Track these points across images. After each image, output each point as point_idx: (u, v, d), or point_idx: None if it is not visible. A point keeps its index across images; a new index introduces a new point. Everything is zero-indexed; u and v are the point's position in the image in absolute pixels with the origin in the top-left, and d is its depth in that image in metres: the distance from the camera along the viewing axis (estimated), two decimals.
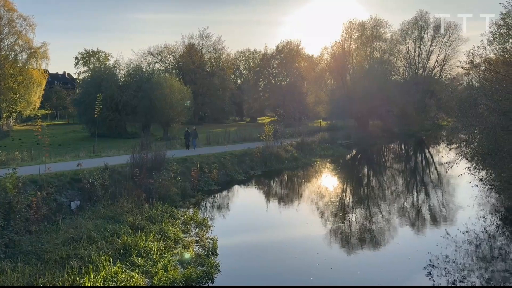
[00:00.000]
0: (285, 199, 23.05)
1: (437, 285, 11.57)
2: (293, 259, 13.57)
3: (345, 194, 24.54)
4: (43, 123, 19.49)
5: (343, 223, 17.98)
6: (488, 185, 20.66)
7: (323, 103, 62.26)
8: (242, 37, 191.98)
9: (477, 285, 11.66)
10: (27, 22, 52.76)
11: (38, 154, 23.48)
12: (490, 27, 19.74)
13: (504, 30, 19.01)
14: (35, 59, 54.67)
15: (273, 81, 77.11)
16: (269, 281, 12.22)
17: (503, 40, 19.03)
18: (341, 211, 20.12)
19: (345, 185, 27.46)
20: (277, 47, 75.62)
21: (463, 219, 17.63)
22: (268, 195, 24.16)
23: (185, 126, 38.72)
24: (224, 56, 76.88)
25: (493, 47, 19.40)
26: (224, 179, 26.10)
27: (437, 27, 67.11)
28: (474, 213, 18.76)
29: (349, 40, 58.09)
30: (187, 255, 13.15)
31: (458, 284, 11.62)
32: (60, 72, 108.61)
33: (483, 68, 19.13)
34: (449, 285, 11.56)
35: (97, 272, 11.30)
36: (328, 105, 59.89)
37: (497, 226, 17.32)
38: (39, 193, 16.04)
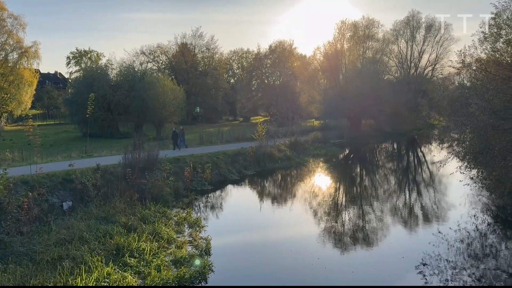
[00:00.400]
0: (278, 198, 23.07)
1: (429, 283, 11.63)
2: (287, 259, 13.57)
3: (338, 193, 24.62)
4: (34, 123, 19.28)
5: (337, 222, 18.02)
6: (479, 184, 20.83)
7: (316, 103, 62.40)
8: (235, 36, 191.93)
9: (468, 283, 11.74)
10: (17, 21, 52.25)
11: (30, 155, 23.28)
12: (481, 27, 19.87)
13: (495, 30, 19.17)
14: (26, 59, 54.11)
15: (266, 81, 77.16)
16: (263, 281, 12.21)
17: (493, 39, 19.18)
18: (334, 210, 20.18)
19: (338, 184, 27.54)
20: (270, 46, 75.72)
21: (455, 218, 17.76)
22: (261, 194, 24.16)
23: (178, 125, 38.53)
24: (217, 55, 76.83)
25: (484, 47, 19.54)
26: (217, 179, 26.06)
27: (429, 27, 67.61)
28: (465, 211, 18.90)
29: (342, 40, 58.38)
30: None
31: (450, 282, 11.69)
32: (52, 71, 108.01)
33: (474, 68, 19.26)
34: (441, 284, 11.63)
35: (90, 273, 11.22)
36: (321, 105, 60.03)
37: (489, 224, 17.46)
38: (30, 193, 15.90)
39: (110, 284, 10.94)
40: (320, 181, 28.50)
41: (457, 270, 12.48)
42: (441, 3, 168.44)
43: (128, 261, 12.36)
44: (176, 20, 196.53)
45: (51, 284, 10.60)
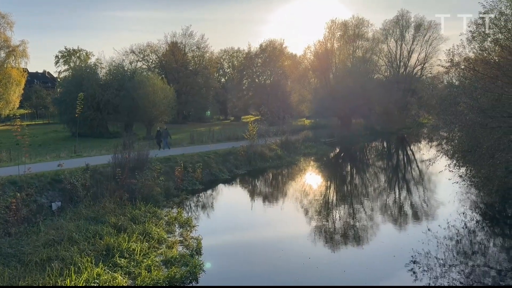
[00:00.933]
0: (269, 198, 23.08)
1: (420, 281, 11.72)
2: (278, 259, 13.56)
3: (329, 192, 24.71)
4: (22, 123, 19.03)
5: (327, 221, 18.09)
6: (468, 182, 21.06)
7: (307, 102, 62.59)
8: (225, 35, 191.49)
9: (457, 280, 11.86)
10: (5, 20, 51.70)
11: (18, 155, 22.97)
12: (469, 26, 20.04)
13: (483, 29, 19.34)
14: (13, 58, 53.54)
15: (257, 80, 77.14)
16: (254, 281, 12.20)
17: (481, 39, 19.35)
18: (325, 209, 20.25)
19: (329, 183, 27.65)
20: (261, 45, 75.75)
21: (444, 215, 17.93)
22: (252, 194, 24.16)
23: (163, 125, 38.35)
24: (207, 54, 76.50)
25: (472, 46, 19.71)
26: (208, 178, 25.99)
27: (418, 26, 68.01)
28: (454, 209, 19.09)
29: (332, 39, 58.69)
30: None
31: (440, 279, 11.80)
32: (40, 71, 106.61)
33: (462, 67, 19.41)
34: (431, 283, 11.73)
35: (79, 274, 11.10)
36: (312, 104, 60.28)
37: (477, 221, 17.67)
38: (18, 194, 15.70)
39: (100, 285, 10.84)
40: (311, 180, 28.58)
41: (446, 268, 12.61)
42: (430, 3, 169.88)
43: (118, 261, 12.26)
44: (167, 18, 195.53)
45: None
